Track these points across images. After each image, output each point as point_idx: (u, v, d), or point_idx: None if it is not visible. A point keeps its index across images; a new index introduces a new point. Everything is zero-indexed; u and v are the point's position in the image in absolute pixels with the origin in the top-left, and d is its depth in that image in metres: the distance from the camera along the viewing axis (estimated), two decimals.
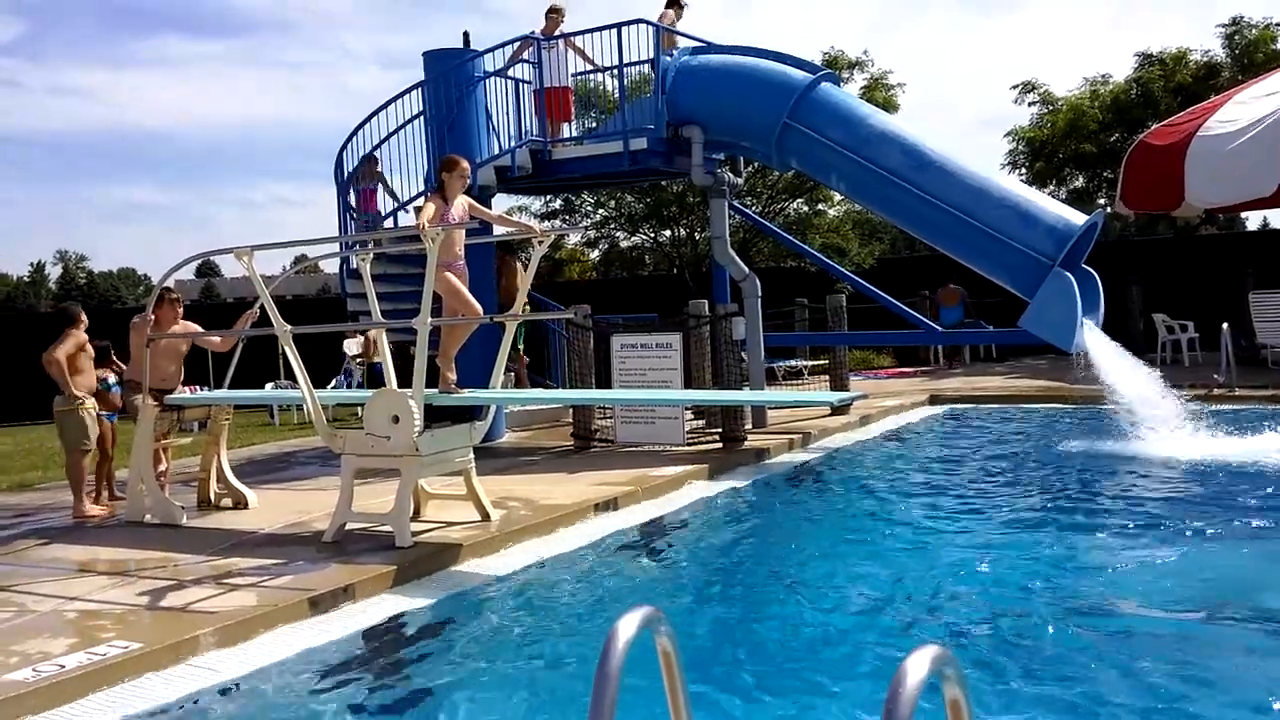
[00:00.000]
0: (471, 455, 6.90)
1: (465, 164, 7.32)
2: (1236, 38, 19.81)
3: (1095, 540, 6.14)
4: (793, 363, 15.94)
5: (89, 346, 7.94)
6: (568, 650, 4.49)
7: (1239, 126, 13.85)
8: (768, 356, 12.72)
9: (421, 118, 11.20)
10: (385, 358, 7.22)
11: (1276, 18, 19.59)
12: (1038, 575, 5.46)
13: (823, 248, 19.35)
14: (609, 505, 7.38)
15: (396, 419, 6.38)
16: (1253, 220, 21.63)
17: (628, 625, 1.91)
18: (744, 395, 10.09)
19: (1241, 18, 19.79)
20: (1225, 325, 12.77)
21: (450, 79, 10.97)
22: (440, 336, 7.35)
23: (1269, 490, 7.15)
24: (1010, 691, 3.84)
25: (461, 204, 7.16)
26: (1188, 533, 6.11)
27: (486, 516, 6.84)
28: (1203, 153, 13.97)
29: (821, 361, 14.81)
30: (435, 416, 6.92)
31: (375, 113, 11.53)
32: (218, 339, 8.81)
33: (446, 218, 6.94)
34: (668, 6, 11.74)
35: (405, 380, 6.76)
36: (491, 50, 11.42)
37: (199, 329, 8.66)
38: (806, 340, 15.28)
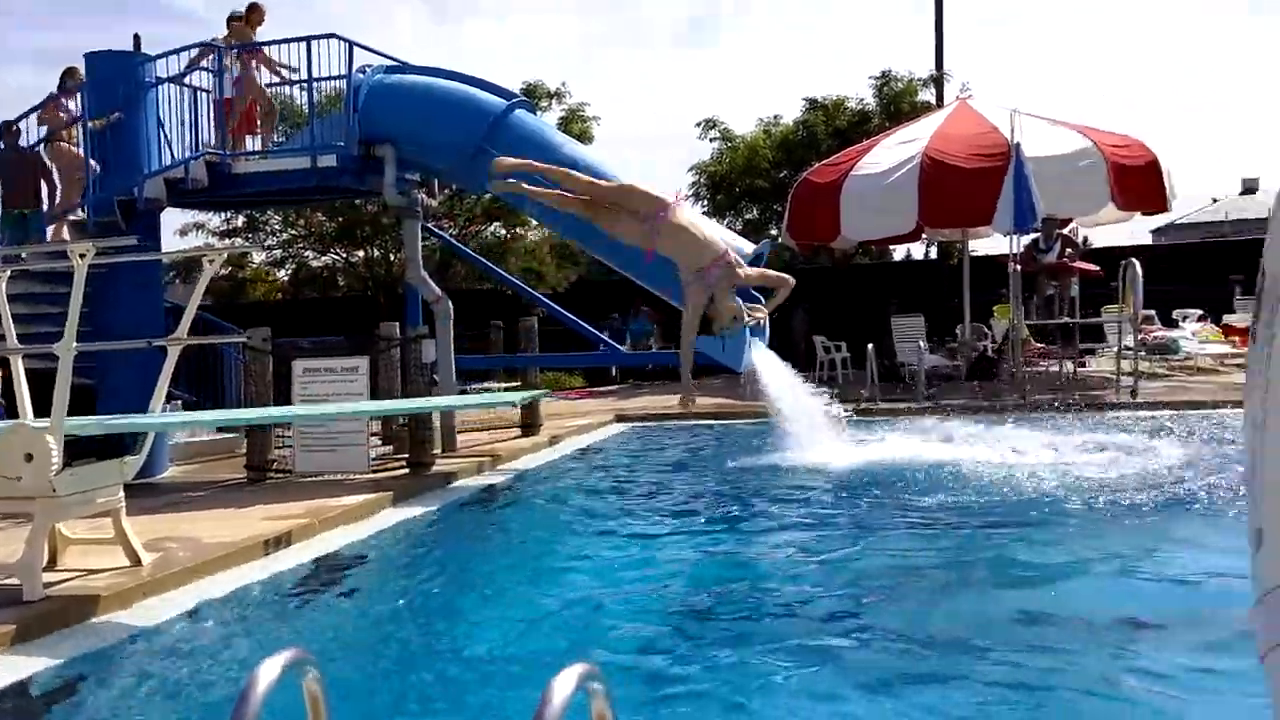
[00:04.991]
0: (121, 493, 6.30)
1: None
2: (885, 89, 22.27)
3: (769, 541, 6.78)
4: (486, 385, 15.95)
5: None
6: (216, 705, 4.21)
7: (883, 169, 15.61)
8: (462, 379, 12.67)
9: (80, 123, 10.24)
10: (20, 387, 6.49)
11: (919, 73, 22.24)
12: (710, 580, 5.88)
13: (523, 271, 19.60)
14: (281, 541, 6.99)
15: (30, 457, 5.71)
16: (899, 252, 24.44)
17: (269, 670, 1.81)
18: (421, 402, 9.81)
19: (890, 71, 22.29)
20: (870, 346, 14.28)
21: (117, 83, 10.04)
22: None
23: (915, 488, 8.09)
24: (672, 697, 4.06)
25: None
26: (842, 529, 6.88)
27: (138, 561, 6.25)
28: (855, 191, 15.61)
29: (515, 384, 14.96)
30: (80, 452, 6.28)
31: (26, 114, 10.45)
32: None
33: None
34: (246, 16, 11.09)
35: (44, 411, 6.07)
36: (166, 55, 10.64)
37: None
38: (499, 362, 15.39)
